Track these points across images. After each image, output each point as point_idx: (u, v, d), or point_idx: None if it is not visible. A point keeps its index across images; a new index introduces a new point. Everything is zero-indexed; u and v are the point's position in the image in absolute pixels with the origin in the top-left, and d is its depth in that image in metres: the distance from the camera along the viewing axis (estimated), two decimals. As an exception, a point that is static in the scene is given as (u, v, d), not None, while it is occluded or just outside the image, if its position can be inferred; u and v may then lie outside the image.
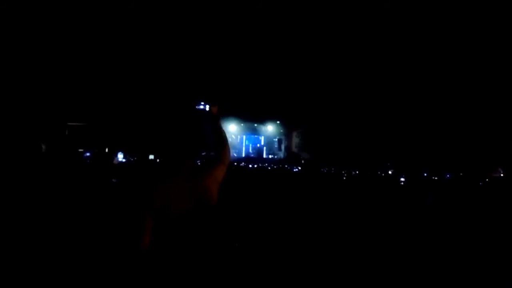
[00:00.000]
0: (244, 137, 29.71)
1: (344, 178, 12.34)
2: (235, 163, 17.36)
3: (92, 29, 19.20)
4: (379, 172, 14.52)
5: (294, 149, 29.80)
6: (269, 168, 18.35)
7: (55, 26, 18.14)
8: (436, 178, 10.51)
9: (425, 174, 13.03)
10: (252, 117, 28.54)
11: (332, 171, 16.08)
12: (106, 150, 22.27)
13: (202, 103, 2.80)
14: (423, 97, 22.26)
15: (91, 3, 18.03)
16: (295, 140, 29.97)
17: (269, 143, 30.24)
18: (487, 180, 11.35)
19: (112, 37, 20.00)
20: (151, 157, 17.24)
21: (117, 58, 20.94)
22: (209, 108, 2.80)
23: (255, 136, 30.00)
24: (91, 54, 20.38)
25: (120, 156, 9.78)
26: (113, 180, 3.91)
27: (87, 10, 18.13)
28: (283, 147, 29.92)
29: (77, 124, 24.31)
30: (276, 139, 30.12)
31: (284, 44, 21.59)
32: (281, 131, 30.01)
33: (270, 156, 29.17)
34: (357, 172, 15.51)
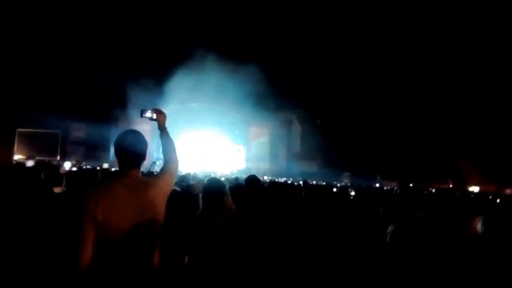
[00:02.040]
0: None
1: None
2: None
3: (43, 30, 18.60)
4: (334, 183, 14.80)
5: (253, 159, 29.79)
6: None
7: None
8: (387, 188, 10.87)
9: (377, 185, 13.44)
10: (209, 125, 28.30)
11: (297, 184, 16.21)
12: (58, 157, 21.49)
13: (149, 110, 2.72)
14: (379, 108, 22.94)
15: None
16: (254, 150, 30.01)
17: (226, 152, 30.09)
18: (433, 190, 11.78)
19: (61, 40, 19.43)
20: (105, 165, 16.77)
21: (67, 64, 20.36)
22: (156, 116, 2.73)
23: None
24: (41, 59, 19.73)
25: (68, 164, 9.41)
26: (57, 190, 3.72)
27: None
28: (241, 157, 29.88)
29: (28, 130, 23.35)
30: (235, 149, 30.05)
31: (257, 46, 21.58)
32: (240, 140, 29.93)
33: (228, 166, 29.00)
34: (314, 182, 15.71)
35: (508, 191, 15.30)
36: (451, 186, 19.02)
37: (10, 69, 18.84)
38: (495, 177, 18.13)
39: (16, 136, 23.16)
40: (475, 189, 15.03)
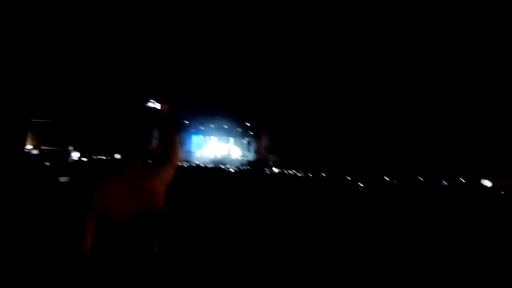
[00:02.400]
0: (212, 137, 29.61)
1: (311, 180, 12.44)
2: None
3: (52, 26, 18.70)
4: (344, 176, 14.70)
5: (263, 151, 29.82)
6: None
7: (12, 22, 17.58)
8: (395, 182, 10.75)
9: (386, 178, 13.32)
10: (223, 118, 28.43)
11: (300, 174, 16.19)
12: (71, 148, 21.73)
13: (152, 100, 2.69)
14: (385, 103, 22.75)
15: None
16: (263, 142, 30.01)
17: (237, 144, 30.20)
18: (447, 184, 11.66)
19: (70, 35, 19.52)
20: (117, 156, 16.83)
21: (76, 58, 20.46)
22: (160, 106, 2.70)
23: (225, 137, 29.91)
24: (52, 53, 19.84)
25: (76, 155, 9.48)
26: (63, 179, 3.74)
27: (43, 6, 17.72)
28: (251, 149, 29.92)
29: (42, 121, 23.61)
30: (245, 141, 30.09)
31: (250, 43, 21.59)
32: (250, 133, 30.00)
33: (239, 158, 29.12)
34: (323, 175, 15.68)
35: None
36: (463, 180, 18.74)
37: (26, 60, 19.03)
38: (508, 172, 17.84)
39: (30, 127, 23.43)
40: (488, 183, 14.77)
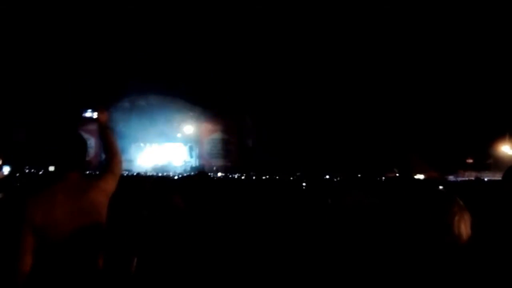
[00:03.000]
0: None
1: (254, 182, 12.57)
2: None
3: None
4: (288, 177, 15.04)
5: (206, 156, 29.66)
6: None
7: None
8: (336, 179, 11.20)
9: (327, 177, 13.84)
10: (161, 123, 27.88)
11: (243, 177, 16.28)
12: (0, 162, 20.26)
13: (90, 110, 2.60)
14: (324, 101, 23.53)
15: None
16: (207, 147, 29.85)
17: (178, 150, 29.77)
18: (383, 179, 12.26)
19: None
20: (52, 169, 15.96)
21: (9, 63, 19.23)
22: (97, 114, 2.62)
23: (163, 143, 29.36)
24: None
25: (6, 169, 8.92)
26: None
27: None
28: (194, 154, 29.62)
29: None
30: (187, 146, 29.74)
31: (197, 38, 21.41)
32: (192, 137, 29.66)
33: (180, 164, 28.69)
34: (267, 176, 15.91)
35: (451, 177, 16.16)
36: (397, 174, 19.81)
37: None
38: (438, 165, 19.13)
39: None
40: (420, 177, 15.74)
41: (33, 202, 2.14)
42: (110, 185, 2.42)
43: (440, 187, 9.22)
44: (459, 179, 16.91)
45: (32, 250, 2.10)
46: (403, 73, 21.64)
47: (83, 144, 2.37)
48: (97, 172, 2.65)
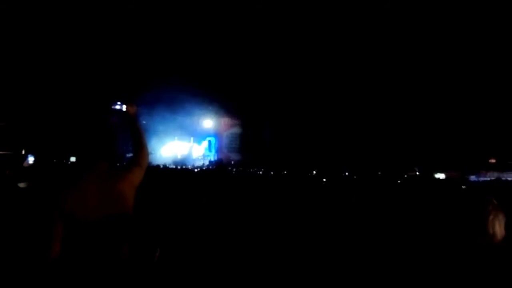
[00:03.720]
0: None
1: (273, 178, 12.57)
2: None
3: (8, 25, 17.91)
4: (306, 173, 14.99)
5: (224, 150, 29.83)
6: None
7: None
8: (355, 177, 11.10)
9: (346, 174, 13.75)
10: (181, 117, 28.18)
11: (261, 172, 16.31)
12: (23, 152, 20.79)
13: (119, 102, 2.65)
14: (346, 105, 23.34)
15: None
16: (225, 141, 30.00)
17: (198, 144, 30.02)
18: (405, 177, 12.12)
19: (29, 34, 18.77)
20: (73, 159, 16.32)
21: (31, 57, 19.68)
22: (126, 107, 2.66)
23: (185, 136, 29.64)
24: (4, 52, 18.95)
25: (31, 159, 9.13)
26: (20, 184, 3.60)
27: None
28: (213, 148, 29.82)
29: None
30: (206, 140, 29.94)
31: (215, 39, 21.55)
32: (211, 131, 29.87)
33: (199, 158, 28.93)
34: (285, 172, 15.88)
35: (473, 177, 15.87)
36: (417, 173, 19.54)
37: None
38: (459, 165, 18.79)
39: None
40: (441, 176, 15.50)
41: (64, 191, 2.20)
42: (137, 176, 2.46)
43: (463, 186, 9.08)
44: (481, 179, 16.57)
45: (61, 237, 2.15)
46: (426, 72, 21.29)
47: (113, 135, 2.41)
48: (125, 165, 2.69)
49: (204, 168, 18.08)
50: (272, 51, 22.53)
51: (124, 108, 2.67)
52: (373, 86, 22.33)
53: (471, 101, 20.76)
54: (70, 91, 21.27)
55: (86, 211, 2.19)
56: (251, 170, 18.59)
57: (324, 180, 7.05)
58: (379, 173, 13.81)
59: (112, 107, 2.64)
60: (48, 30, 18.83)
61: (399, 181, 10.11)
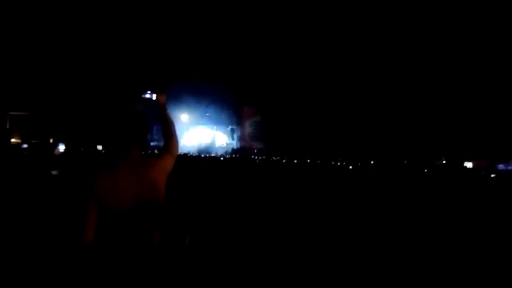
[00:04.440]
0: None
1: (297, 166, 12.55)
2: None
3: (36, 14, 18.24)
4: (331, 161, 14.91)
5: (247, 138, 29.86)
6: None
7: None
8: (383, 165, 10.97)
9: (372, 162, 13.60)
10: (205, 105, 28.32)
11: (284, 161, 16.28)
12: (51, 140, 21.31)
13: (149, 91, 2.68)
14: (372, 91, 22.97)
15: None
16: (248, 129, 30.01)
17: (220, 132, 30.17)
18: (432, 166, 11.91)
19: (56, 24, 19.08)
20: (99, 147, 16.67)
21: (62, 47, 20.03)
22: (156, 96, 2.69)
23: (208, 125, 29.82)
24: (34, 41, 19.35)
25: (62, 147, 9.34)
26: (53, 172, 3.70)
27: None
28: (235, 136, 29.91)
29: (19, 113, 23.09)
30: (229, 128, 30.05)
31: (236, 29, 21.54)
32: (234, 120, 29.96)
33: (222, 146, 29.10)
34: (308, 161, 15.81)
35: (501, 166, 15.47)
36: (444, 162, 19.16)
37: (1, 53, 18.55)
38: (488, 153, 18.33)
39: (9, 120, 22.92)
40: (469, 164, 15.15)
41: (98, 178, 2.24)
42: (168, 164, 2.50)
43: (492, 175, 8.85)
44: (510, 167, 16.12)
45: (95, 223, 2.20)
46: (454, 59, 20.71)
47: (144, 123, 2.44)
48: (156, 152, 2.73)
49: (227, 156, 18.18)
50: (295, 42, 22.32)
51: (154, 97, 2.70)
52: (400, 73, 21.88)
53: (498, 89, 20.14)
54: (98, 81, 21.63)
55: (119, 198, 2.23)
56: (274, 158, 18.60)
57: (350, 167, 6.98)
58: (405, 162, 13.59)
59: (143, 96, 2.67)
60: (77, 17, 19.12)
61: (426, 170, 9.94)
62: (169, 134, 2.64)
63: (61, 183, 3.33)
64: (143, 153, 3.17)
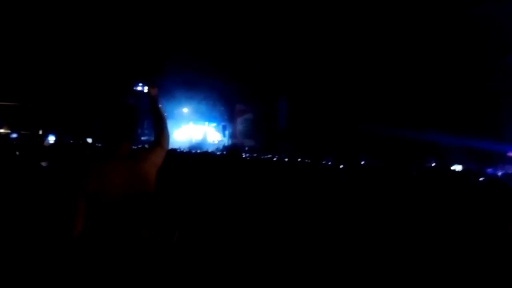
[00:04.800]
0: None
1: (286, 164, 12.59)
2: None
3: (25, 6, 18.06)
4: (321, 161, 14.98)
5: (238, 135, 29.85)
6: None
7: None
8: (373, 166, 11.07)
9: (362, 163, 13.69)
10: (197, 101, 28.25)
11: (275, 159, 16.32)
12: (40, 132, 21.14)
13: (140, 84, 2.67)
14: (365, 90, 23.08)
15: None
16: (239, 127, 30.01)
17: (212, 129, 30.12)
18: (420, 169, 12.00)
19: (47, 16, 18.90)
20: (89, 140, 16.55)
21: (52, 36, 19.84)
22: (148, 89, 2.69)
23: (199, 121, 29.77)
24: (24, 31, 19.16)
25: (52, 138, 9.32)
26: (43, 163, 3.66)
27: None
28: (227, 133, 29.87)
29: (8, 104, 22.86)
30: (221, 125, 30.00)
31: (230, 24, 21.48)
32: (226, 117, 29.93)
33: (214, 142, 29.04)
34: (299, 160, 15.88)
35: (490, 170, 15.65)
36: (433, 164, 19.30)
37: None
38: (476, 157, 18.55)
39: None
40: (458, 168, 15.30)
41: (87, 170, 2.25)
42: (158, 157, 2.52)
43: (480, 179, 8.94)
44: (499, 172, 16.31)
45: (83, 214, 2.20)
46: (445, 65, 20.90)
47: (135, 116, 2.44)
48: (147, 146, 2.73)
49: (217, 153, 18.18)
50: (290, 38, 22.32)
51: (145, 89, 2.71)
52: (393, 75, 22.02)
53: (487, 93, 20.37)
54: (88, 72, 21.46)
55: (109, 191, 2.24)
56: (265, 156, 18.62)
57: (341, 167, 7.04)
58: (395, 163, 13.72)
59: (134, 88, 2.67)
60: (69, 9, 18.97)
61: (414, 173, 10.02)
62: (160, 128, 2.65)
63: (50, 174, 3.30)
64: (133, 147, 3.15)
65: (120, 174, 2.30)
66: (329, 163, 12.64)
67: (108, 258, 2.25)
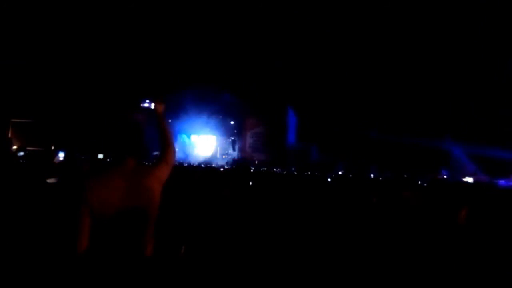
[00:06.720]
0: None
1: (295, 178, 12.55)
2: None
3: (36, 21, 18.39)
4: (331, 173, 14.91)
5: (248, 149, 29.84)
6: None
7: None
8: (381, 178, 10.97)
9: (371, 175, 13.61)
10: (207, 115, 28.39)
11: (284, 172, 16.27)
12: (52, 147, 21.39)
13: (147, 100, 2.71)
14: (365, 99, 23.00)
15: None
16: (249, 140, 30.02)
17: (222, 143, 30.17)
18: (430, 181, 11.85)
19: (56, 31, 19.22)
20: (100, 156, 16.69)
21: (62, 53, 20.17)
22: (154, 105, 2.73)
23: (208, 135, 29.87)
24: (36, 48, 19.50)
25: (62, 155, 9.41)
26: (51, 180, 3.70)
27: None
28: (236, 147, 29.89)
29: (22, 121, 23.22)
30: (230, 140, 30.05)
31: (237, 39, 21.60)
32: (235, 131, 29.98)
33: (223, 157, 29.07)
34: (308, 173, 15.83)
35: (502, 182, 15.41)
36: (445, 176, 19.09)
37: (2, 59, 18.67)
38: (489, 168, 18.29)
39: (10, 127, 23.05)
40: (469, 180, 15.11)
41: (92, 185, 2.26)
42: (163, 173, 2.53)
43: (492, 191, 8.81)
44: (511, 183, 16.05)
45: (89, 231, 2.21)
46: (455, 71, 20.74)
47: (141, 132, 2.46)
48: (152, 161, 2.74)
49: (226, 167, 18.20)
50: (299, 51, 22.42)
51: (152, 106, 2.74)
52: (403, 85, 21.91)
53: (499, 103, 20.11)
54: (100, 88, 21.73)
55: (113, 206, 2.25)
56: (274, 170, 18.59)
57: (350, 176, 6.99)
58: (405, 176, 13.58)
59: (141, 104, 2.71)
60: (79, 25, 19.28)
61: (425, 184, 9.91)
62: (166, 144, 2.68)
63: (57, 191, 3.32)
64: (145, 163, 3.17)
65: (124, 189, 2.31)
66: (340, 172, 12.58)
67: (113, 274, 2.24)
